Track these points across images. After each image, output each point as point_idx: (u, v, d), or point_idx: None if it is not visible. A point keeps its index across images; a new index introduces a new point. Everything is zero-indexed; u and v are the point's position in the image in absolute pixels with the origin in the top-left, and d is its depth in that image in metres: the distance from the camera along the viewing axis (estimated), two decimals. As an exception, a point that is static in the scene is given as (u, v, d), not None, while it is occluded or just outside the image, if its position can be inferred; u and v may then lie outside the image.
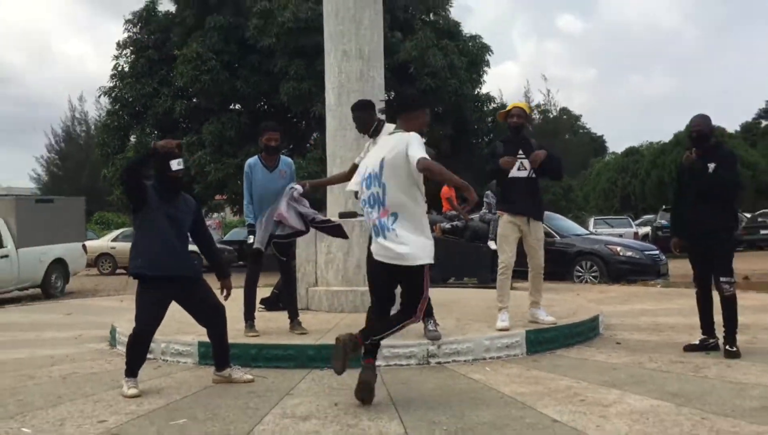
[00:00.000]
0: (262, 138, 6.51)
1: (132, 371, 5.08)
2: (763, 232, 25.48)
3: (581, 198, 34.67)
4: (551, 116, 46.73)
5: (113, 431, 4.16)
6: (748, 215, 27.89)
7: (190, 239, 5.31)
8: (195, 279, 5.19)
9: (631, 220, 24.18)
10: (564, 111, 48.39)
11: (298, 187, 6.40)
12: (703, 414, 4.20)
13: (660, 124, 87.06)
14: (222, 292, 5.35)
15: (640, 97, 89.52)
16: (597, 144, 48.94)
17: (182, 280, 5.09)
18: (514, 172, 6.54)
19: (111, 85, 21.94)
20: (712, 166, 5.77)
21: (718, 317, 6.02)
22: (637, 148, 31.88)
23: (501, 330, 6.18)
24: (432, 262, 4.50)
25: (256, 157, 6.61)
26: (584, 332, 6.71)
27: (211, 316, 5.21)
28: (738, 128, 45.12)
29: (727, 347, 5.83)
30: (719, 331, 6.01)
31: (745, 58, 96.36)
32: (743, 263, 19.27)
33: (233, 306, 5.57)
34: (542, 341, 6.24)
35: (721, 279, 5.85)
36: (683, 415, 4.21)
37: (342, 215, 7.74)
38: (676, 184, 6.30)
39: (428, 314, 5.90)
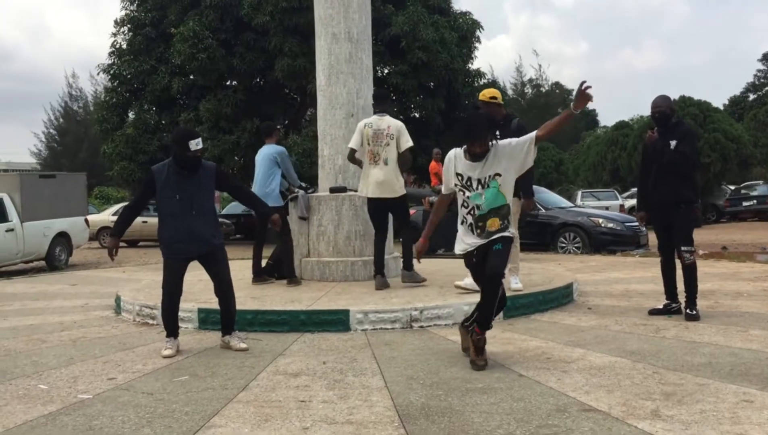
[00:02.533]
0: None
1: (169, 332, 5.59)
2: (745, 203, 25.98)
3: (572, 171, 35.05)
4: (543, 90, 46.96)
5: (122, 387, 4.63)
6: (732, 187, 28.37)
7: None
8: (211, 253, 5.60)
9: (617, 193, 24.62)
10: (556, 85, 48.60)
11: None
12: (655, 369, 4.67)
13: (651, 98, 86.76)
14: (270, 226, 6.18)
15: (632, 71, 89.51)
16: (589, 118, 49.13)
17: (198, 256, 5.58)
18: None
19: (109, 62, 22.18)
20: (673, 143, 6.19)
21: (681, 283, 6.47)
22: (627, 122, 32.20)
23: (516, 290, 6.85)
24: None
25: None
26: (558, 298, 7.17)
27: (220, 289, 5.67)
28: (726, 102, 45.45)
29: (688, 311, 6.30)
30: (683, 297, 6.48)
31: (734, 33, 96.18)
32: (725, 234, 19.82)
33: (237, 275, 5.99)
34: (518, 306, 6.70)
35: (682, 248, 6.29)
36: (637, 369, 4.68)
37: (333, 190, 8.17)
38: (641, 161, 6.71)
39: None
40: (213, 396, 4.35)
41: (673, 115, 6.37)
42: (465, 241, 5.00)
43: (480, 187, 4.87)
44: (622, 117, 42.47)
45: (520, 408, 3.93)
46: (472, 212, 4.91)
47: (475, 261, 5.01)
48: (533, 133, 4.96)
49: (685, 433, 3.44)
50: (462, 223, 5.01)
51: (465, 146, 4.91)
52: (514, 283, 7.01)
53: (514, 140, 4.98)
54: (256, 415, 3.94)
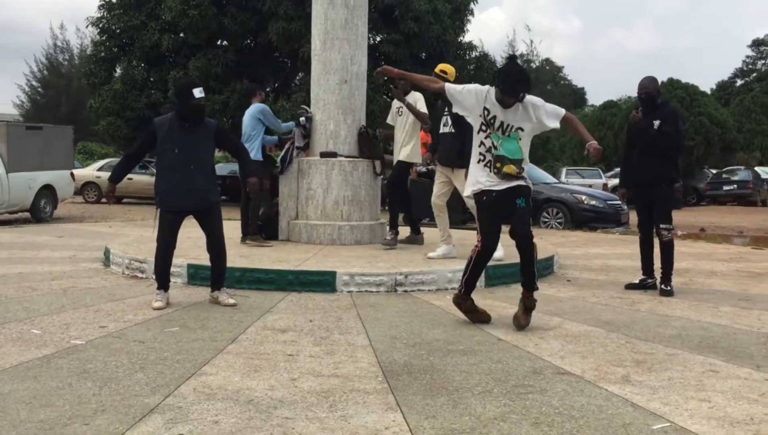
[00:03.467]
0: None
1: (160, 284, 5.70)
2: (726, 187, 26.40)
3: (558, 148, 35.29)
4: (534, 66, 46.93)
5: (114, 335, 4.76)
6: (714, 171, 28.77)
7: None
8: (207, 209, 5.70)
9: (601, 171, 24.90)
10: (547, 62, 48.61)
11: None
12: (627, 338, 4.89)
13: (640, 79, 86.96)
14: (246, 189, 6.27)
15: (623, 51, 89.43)
16: (577, 96, 49.31)
17: (193, 211, 5.67)
18: (441, 129, 7.27)
19: (99, 15, 21.90)
20: (657, 123, 6.36)
21: (658, 261, 6.69)
22: (615, 102, 32.35)
23: (430, 258, 7.27)
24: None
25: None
26: (539, 270, 7.31)
27: (213, 246, 5.79)
28: (714, 86, 45.73)
29: (662, 286, 6.53)
30: (658, 273, 6.70)
31: (726, 18, 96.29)
32: (704, 216, 20.18)
33: (226, 235, 6.06)
34: (499, 276, 6.90)
35: (661, 226, 6.50)
36: (610, 338, 4.89)
37: (323, 154, 8.28)
38: (626, 140, 6.88)
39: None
40: (203, 347, 4.50)
41: (658, 97, 6.53)
42: (479, 179, 5.07)
43: (501, 131, 4.99)
44: (610, 96, 42.63)
45: (499, 369, 4.12)
46: (490, 150, 5.00)
47: (487, 203, 5.07)
48: (563, 113, 5.11)
49: (653, 397, 3.64)
50: (479, 161, 5.07)
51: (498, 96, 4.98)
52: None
53: (548, 107, 5.08)
54: (245, 366, 4.10)
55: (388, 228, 8.07)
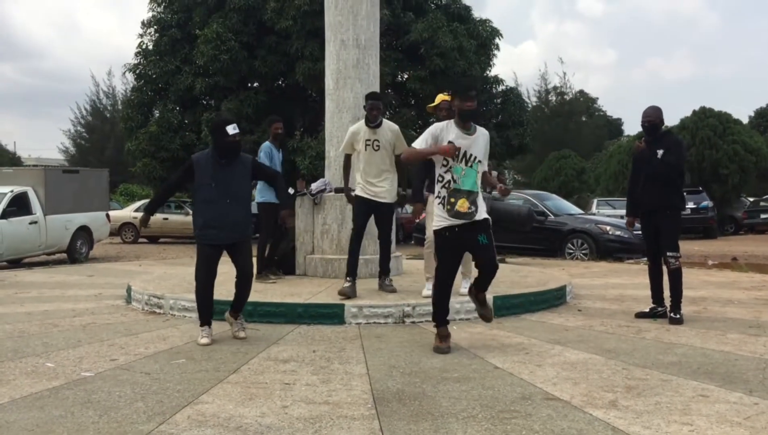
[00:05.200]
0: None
1: (203, 320, 5.81)
2: (763, 216, 25.95)
3: (593, 180, 35.03)
4: (567, 98, 46.92)
5: (123, 367, 4.96)
6: (751, 199, 28.25)
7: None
8: (240, 243, 5.83)
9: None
10: (581, 93, 48.54)
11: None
12: (625, 365, 4.90)
13: (677, 108, 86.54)
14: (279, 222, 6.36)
15: (660, 80, 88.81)
16: (613, 127, 49.01)
17: (229, 244, 5.81)
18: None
19: (136, 62, 22.74)
20: (660, 152, 6.42)
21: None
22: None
23: (426, 297, 6.74)
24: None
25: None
26: (550, 300, 7.40)
27: (240, 278, 5.92)
28: (752, 114, 45.03)
29: (671, 314, 6.51)
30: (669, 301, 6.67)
31: (764, 44, 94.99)
32: (740, 245, 19.79)
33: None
34: (509, 306, 6.95)
35: (668, 253, 6.50)
36: (607, 365, 4.92)
37: (338, 190, 8.48)
38: (631, 170, 6.94)
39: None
40: (205, 377, 4.67)
41: (661, 126, 6.60)
42: (441, 215, 5.27)
43: (465, 162, 5.17)
44: (646, 127, 42.35)
45: (488, 395, 4.19)
46: (447, 186, 5.19)
47: (449, 238, 5.26)
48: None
49: (635, 421, 3.67)
50: (437, 197, 5.29)
51: (456, 111, 5.27)
52: (464, 285, 7.00)
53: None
54: (241, 394, 4.24)
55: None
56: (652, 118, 6.55)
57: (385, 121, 7.18)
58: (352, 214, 7.27)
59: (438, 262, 5.48)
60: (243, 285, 5.95)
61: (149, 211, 6.07)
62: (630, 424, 3.63)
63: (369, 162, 7.08)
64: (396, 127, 7.26)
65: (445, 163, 5.20)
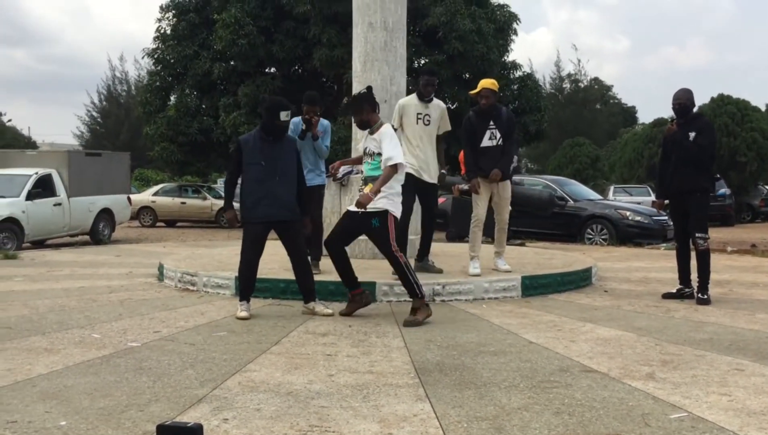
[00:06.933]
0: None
1: (243, 296, 5.94)
2: None
3: (608, 168, 34.99)
4: (581, 86, 46.77)
5: (167, 338, 5.10)
6: (768, 187, 28.18)
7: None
8: (290, 222, 5.90)
9: (650, 189, 24.61)
10: (595, 81, 48.33)
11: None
12: (657, 342, 5.00)
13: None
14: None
15: (675, 68, 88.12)
16: (628, 114, 48.77)
17: (277, 222, 5.87)
18: (485, 142, 7.21)
19: (154, 46, 22.86)
20: (692, 134, 6.48)
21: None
22: (666, 120, 31.97)
23: (473, 276, 6.99)
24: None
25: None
26: (576, 281, 7.49)
27: (293, 257, 6.01)
28: (768, 102, 44.72)
29: (699, 295, 6.59)
30: (696, 283, 6.74)
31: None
32: (758, 233, 19.78)
33: (270, 250, 6.34)
34: (536, 286, 7.05)
35: (697, 235, 6.57)
36: (640, 341, 5.02)
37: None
38: (661, 152, 7.00)
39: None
40: (248, 348, 4.80)
41: (692, 108, 6.65)
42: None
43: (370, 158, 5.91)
44: (661, 114, 42.02)
45: (527, 367, 4.31)
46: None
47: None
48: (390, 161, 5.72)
49: (674, 391, 3.78)
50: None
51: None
52: (502, 265, 7.36)
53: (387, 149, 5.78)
54: (287, 364, 4.38)
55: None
56: (683, 100, 6.60)
57: (435, 98, 7.27)
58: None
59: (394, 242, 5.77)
60: (302, 270, 5.99)
61: (230, 206, 6.04)
62: (669, 394, 3.73)
63: (419, 136, 7.10)
64: (443, 105, 7.32)
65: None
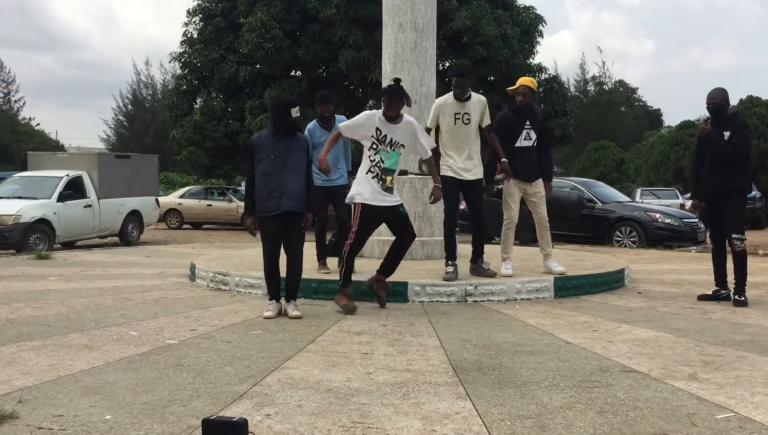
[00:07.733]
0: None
1: (271, 295, 6.01)
2: None
3: (633, 171, 34.68)
4: (606, 88, 46.40)
5: (203, 336, 5.14)
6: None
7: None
8: (295, 219, 5.88)
9: (678, 192, 24.34)
10: (620, 83, 47.91)
11: None
12: (697, 343, 4.94)
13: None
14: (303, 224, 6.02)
15: (700, 70, 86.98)
16: (653, 117, 48.27)
17: (285, 215, 5.83)
18: (520, 142, 7.15)
19: (181, 50, 23.08)
20: (727, 134, 6.39)
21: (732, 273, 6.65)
22: (693, 122, 31.61)
23: (505, 276, 6.95)
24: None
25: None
26: (609, 282, 7.43)
27: (290, 258, 6.02)
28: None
29: (736, 297, 6.50)
30: (732, 286, 6.65)
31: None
32: (788, 236, 19.47)
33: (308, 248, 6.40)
34: (569, 287, 7.00)
35: (733, 236, 6.48)
36: (679, 342, 4.96)
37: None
38: (695, 152, 6.91)
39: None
40: (285, 346, 4.82)
41: (727, 108, 6.57)
42: (364, 194, 6.10)
43: (390, 146, 6.11)
44: (687, 117, 41.45)
45: (566, 367, 4.27)
46: (378, 165, 6.10)
47: (368, 213, 6.14)
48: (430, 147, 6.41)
49: (718, 392, 3.72)
50: (368, 172, 6.15)
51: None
52: (554, 266, 7.28)
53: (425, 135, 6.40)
54: (324, 362, 4.38)
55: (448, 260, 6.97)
56: (717, 99, 6.52)
57: (473, 93, 7.09)
58: (444, 197, 6.64)
59: (356, 227, 6.10)
60: (290, 268, 6.00)
61: (251, 211, 6.01)
62: (713, 394, 3.68)
63: (457, 136, 6.95)
64: (484, 98, 7.15)
65: (374, 147, 6.08)
